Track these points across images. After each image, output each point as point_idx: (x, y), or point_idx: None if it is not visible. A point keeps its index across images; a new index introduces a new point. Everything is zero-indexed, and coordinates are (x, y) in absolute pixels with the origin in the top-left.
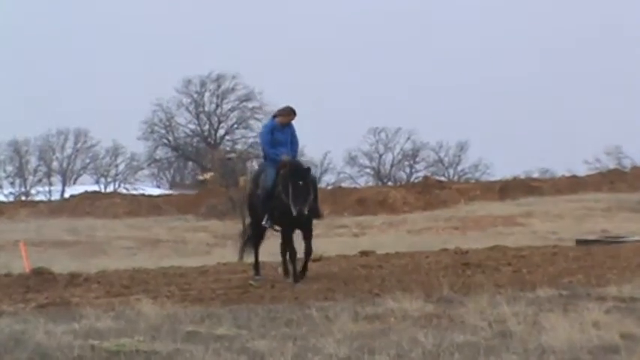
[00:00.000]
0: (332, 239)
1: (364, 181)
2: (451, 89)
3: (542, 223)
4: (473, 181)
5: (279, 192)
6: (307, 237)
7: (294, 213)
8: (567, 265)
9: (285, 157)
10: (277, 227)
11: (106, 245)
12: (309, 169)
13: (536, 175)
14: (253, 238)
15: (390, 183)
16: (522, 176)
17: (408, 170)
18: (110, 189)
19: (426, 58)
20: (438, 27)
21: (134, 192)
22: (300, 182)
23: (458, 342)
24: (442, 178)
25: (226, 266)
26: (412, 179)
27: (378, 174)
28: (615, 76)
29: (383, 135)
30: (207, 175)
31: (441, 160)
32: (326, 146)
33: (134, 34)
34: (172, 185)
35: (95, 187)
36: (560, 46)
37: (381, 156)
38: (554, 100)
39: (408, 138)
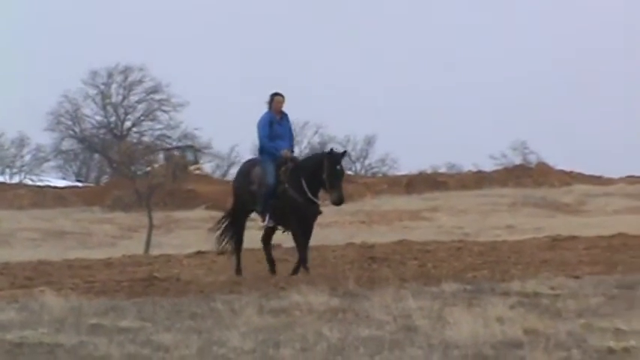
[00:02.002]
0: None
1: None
2: (359, 83)
3: (447, 217)
4: (380, 175)
5: (286, 189)
6: (309, 234)
7: (334, 199)
8: (472, 260)
9: (285, 152)
10: (280, 227)
11: (10, 236)
12: (345, 152)
13: (442, 169)
14: (236, 236)
15: None
16: (429, 171)
17: None
18: (15, 180)
19: (334, 51)
20: (348, 19)
21: (40, 183)
22: (338, 167)
23: (363, 336)
24: (349, 172)
25: (131, 259)
26: None
27: None
28: (520, 72)
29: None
30: (154, 168)
31: (348, 154)
32: (233, 139)
33: (40, 25)
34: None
35: (0, 178)
36: (466, 39)
37: None
38: (462, 96)
39: (316, 132)
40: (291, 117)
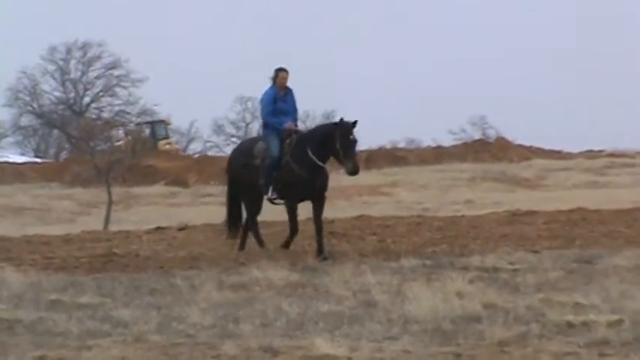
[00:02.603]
0: (198, 208)
1: (231, 150)
2: (318, 58)
3: (407, 193)
4: None
5: (288, 161)
6: (320, 207)
7: (349, 169)
8: (431, 235)
9: (289, 124)
10: (279, 200)
11: None
12: (356, 122)
13: (401, 145)
14: (236, 216)
15: None
16: (388, 146)
17: None
18: None
19: (292, 25)
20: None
21: None
22: (351, 137)
23: (322, 311)
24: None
25: (90, 234)
26: None
27: None
28: (480, 47)
29: (250, 104)
30: (122, 142)
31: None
32: (192, 115)
33: None
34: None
35: None
36: (424, 16)
37: (247, 125)
38: (421, 70)
39: None
40: (250, 93)
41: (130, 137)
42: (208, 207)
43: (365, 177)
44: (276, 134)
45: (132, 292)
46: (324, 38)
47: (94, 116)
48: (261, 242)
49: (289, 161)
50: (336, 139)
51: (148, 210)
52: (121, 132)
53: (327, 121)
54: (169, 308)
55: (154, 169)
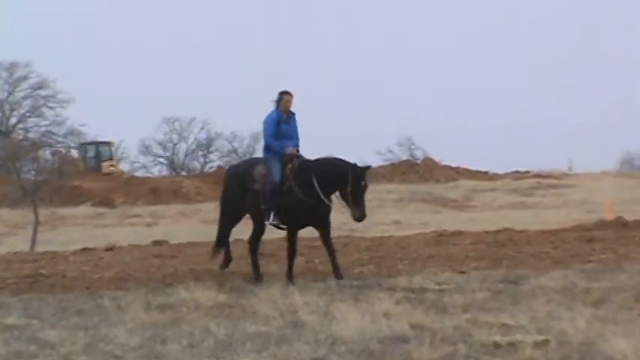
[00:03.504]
0: (125, 228)
1: (158, 170)
2: (246, 79)
3: (334, 213)
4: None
5: (291, 187)
6: (327, 233)
7: (356, 217)
8: (359, 255)
9: (290, 149)
10: (282, 225)
11: None
12: (369, 167)
13: None
14: (226, 238)
15: (183, 173)
16: None
17: (202, 160)
18: None
19: (219, 47)
20: (234, 12)
21: None
22: (362, 182)
23: (250, 332)
24: None
25: (17, 255)
26: (206, 169)
27: (172, 163)
28: (407, 65)
29: (177, 124)
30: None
31: (235, 151)
32: (120, 135)
33: None
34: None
35: None
36: (349, 34)
37: (175, 145)
38: (348, 90)
39: (202, 128)
40: (177, 114)
41: (53, 158)
42: (135, 228)
43: None
44: (277, 158)
45: (59, 313)
46: (247, 61)
47: (20, 137)
48: (256, 268)
49: (292, 187)
50: (347, 182)
51: (75, 231)
52: (47, 153)
53: (332, 156)
54: (96, 329)
55: (81, 189)
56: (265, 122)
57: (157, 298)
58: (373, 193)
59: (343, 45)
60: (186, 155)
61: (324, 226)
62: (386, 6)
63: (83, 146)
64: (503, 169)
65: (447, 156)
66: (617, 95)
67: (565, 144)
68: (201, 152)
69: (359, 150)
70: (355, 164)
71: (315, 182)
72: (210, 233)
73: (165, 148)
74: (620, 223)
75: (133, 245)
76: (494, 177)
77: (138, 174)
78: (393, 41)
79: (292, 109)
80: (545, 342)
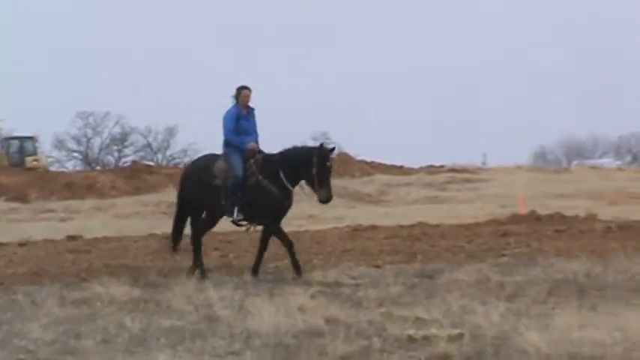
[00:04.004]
0: (39, 223)
1: (72, 165)
2: (161, 73)
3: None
4: (181, 165)
5: (259, 180)
6: (279, 227)
7: (322, 198)
8: (275, 250)
9: (251, 144)
10: (244, 222)
11: None
12: (334, 148)
13: None
14: (199, 235)
15: (98, 167)
16: None
17: (116, 155)
18: None
19: (134, 42)
20: (146, 9)
21: None
22: (328, 163)
23: (164, 326)
24: (151, 163)
25: None
26: (121, 164)
27: (86, 158)
28: (321, 64)
29: (91, 119)
30: None
31: (149, 145)
32: (33, 130)
33: None
34: None
35: None
36: (261, 33)
37: (89, 140)
38: (266, 84)
39: (117, 122)
40: (91, 108)
41: None
42: (49, 223)
43: None
44: (238, 153)
45: None
46: (165, 55)
47: None
48: (200, 264)
49: (260, 180)
50: (312, 165)
51: None
52: None
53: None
54: (10, 324)
55: None
56: (225, 118)
57: (72, 293)
58: None
59: (256, 45)
60: (100, 150)
61: (280, 220)
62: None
63: (6, 141)
64: (418, 163)
65: (361, 151)
66: (529, 90)
67: (479, 139)
68: (115, 147)
69: (273, 146)
70: (321, 145)
71: (281, 174)
72: (125, 228)
73: (79, 142)
74: (533, 217)
75: (47, 240)
76: (408, 171)
77: (52, 168)
78: (310, 35)
79: (251, 104)
80: (460, 336)
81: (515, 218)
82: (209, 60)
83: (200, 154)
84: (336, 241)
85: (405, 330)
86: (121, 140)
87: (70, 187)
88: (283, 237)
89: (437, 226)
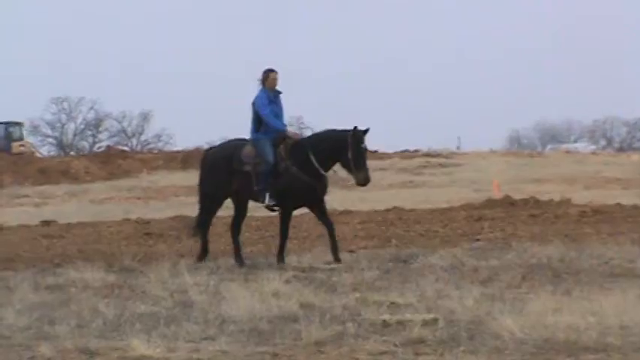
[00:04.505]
0: (13, 209)
1: (47, 150)
2: (135, 60)
3: None
4: (156, 151)
5: (288, 166)
6: (325, 212)
7: (360, 181)
8: (249, 234)
9: (290, 130)
10: (276, 207)
11: None
12: (367, 130)
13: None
14: (207, 221)
15: (72, 153)
16: (205, 147)
17: (90, 140)
18: None
19: (109, 28)
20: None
21: None
22: (362, 145)
23: (139, 312)
24: (125, 148)
25: None
26: (95, 149)
27: (60, 143)
28: (299, 47)
29: (65, 104)
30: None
31: (124, 130)
32: (8, 115)
33: None
34: None
35: None
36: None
37: (63, 125)
38: (234, 71)
39: (91, 108)
40: (65, 93)
41: None
42: (24, 208)
43: (181, 177)
44: (268, 139)
45: None
46: (139, 41)
47: None
48: (239, 253)
49: (289, 167)
50: (347, 148)
51: None
52: None
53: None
54: None
55: None
56: (258, 103)
57: (46, 279)
58: None
59: (231, 30)
60: (74, 135)
61: (322, 205)
62: None
63: None
64: (393, 148)
65: None
66: (504, 75)
67: (454, 123)
68: (90, 132)
69: (247, 129)
70: (354, 128)
71: (312, 158)
72: (100, 213)
73: (53, 128)
74: (507, 202)
75: (22, 225)
76: (383, 156)
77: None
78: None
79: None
80: (434, 320)
81: (490, 203)
82: (182, 46)
83: (219, 141)
84: (311, 226)
85: (379, 315)
86: (95, 125)
87: (44, 172)
88: (285, 226)
89: (411, 210)
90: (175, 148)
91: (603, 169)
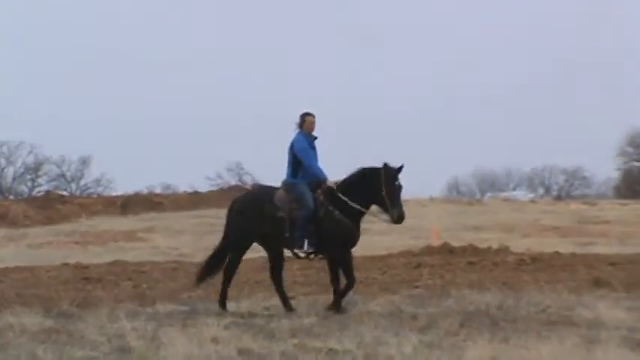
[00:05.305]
0: None
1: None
2: (74, 104)
3: (163, 238)
4: (95, 195)
5: (330, 211)
6: (351, 261)
7: (395, 218)
8: (187, 280)
9: (330, 182)
10: (313, 253)
11: None
12: (402, 167)
13: (158, 190)
14: (233, 267)
15: (11, 197)
16: (144, 191)
17: (29, 184)
18: None
19: (44, 72)
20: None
21: None
22: (397, 183)
23: (77, 357)
24: (64, 193)
25: None
26: (34, 193)
27: None
28: (236, 96)
29: (4, 148)
30: None
31: (63, 175)
32: None
33: None
34: None
35: None
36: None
37: (2, 169)
38: (178, 116)
39: (30, 152)
40: (4, 137)
41: None
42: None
43: (121, 222)
44: (305, 184)
45: None
46: (76, 85)
47: None
48: (286, 300)
49: (331, 211)
50: (381, 185)
51: None
52: None
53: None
54: None
55: None
56: (298, 147)
57: None
58: (202, 218)
59: (154, 78)
60: (13, 179)
61: (351, 253)
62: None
63: None
64: None
65: (276, 181)
66: (443, 121)
67: None
68: (29, 176)
69: (187, 175)
70: (386, 165)
71: (349, 201)
72: (38, 257)
73: None
74: (446, 249)
75: None
76: None
77: None
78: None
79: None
80: None
81: (429, 250)
82: (120, 88)
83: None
84: (250, 271)
85: None
86: (34, 170)
87: None
88: (350, 272)
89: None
90: (115, 193)
91: (541, 217)
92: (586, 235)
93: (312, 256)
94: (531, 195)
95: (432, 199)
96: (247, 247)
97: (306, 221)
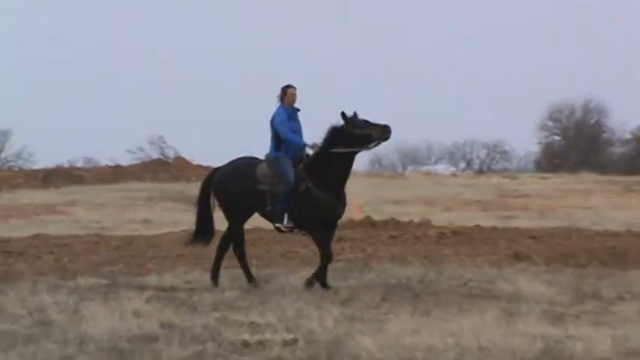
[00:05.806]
0: None
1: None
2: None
3: (84, 211)
4: (16, 169)
5: (310, 187)
6: (333, 235)
7: (380, 132)
8: (109, 254)
9: (314, 143)
10: (295, 228)
11: None
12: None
13: (79, 164)
14: (231, 241)
15: None
16: (66, 165)
17: None
18: None
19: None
20: None
21: None
22: (361, 120)
23: None
24: None
25: None
26: None
27: None
28: (157, 64)
29: None
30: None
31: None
32: None
33: None
34: None
35: None
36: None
37: None
38: (100, 89)
39: None
40: None
41: None
42: None
43: (42, 195)
44: (288, 158)
45: None
46: (7, 56)
47: None
48: (250, 275)
49: (311, 188)
50: (354, 128)
51: None
52: None
53: None
54: None
55: None
56: (278, 119)
57: None
58: (124, 192)
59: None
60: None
61: (334, 228)
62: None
63: None
64: None
65: (198, 155)
66: (367, 98)
67: None
68: None
69: (110, 149)
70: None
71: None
72: None
73: None
74: (368, 223)
75: None
76: None
77: None
78: (144, 43)
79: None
80: (294, 341)
81: (350, 224)
82: (44, 59)
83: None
84: (172, 245)
85: (239, 334)
86: None
87: None
88: (326, 248)
89: (271, 231)
90: (36, 167)
91: (463, 191)
92: (507, 208)
93: (294, 230)
94: (453, 169)
95: (353, 173)
96: (239, 218)
97: (287, 196)
